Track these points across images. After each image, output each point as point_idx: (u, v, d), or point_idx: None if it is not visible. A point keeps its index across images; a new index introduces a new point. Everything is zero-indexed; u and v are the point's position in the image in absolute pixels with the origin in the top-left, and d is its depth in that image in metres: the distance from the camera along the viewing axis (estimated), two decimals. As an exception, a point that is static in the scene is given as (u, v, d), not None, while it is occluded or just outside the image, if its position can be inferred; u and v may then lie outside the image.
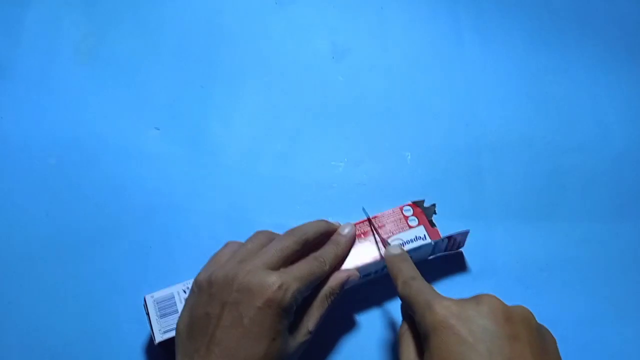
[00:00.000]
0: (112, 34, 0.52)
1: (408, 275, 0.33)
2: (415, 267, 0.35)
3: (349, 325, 0.40)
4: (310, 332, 0.34)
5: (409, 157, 0.48)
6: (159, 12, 0.53)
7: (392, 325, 0.40)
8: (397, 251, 0.36)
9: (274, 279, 0.31)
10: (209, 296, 0.32)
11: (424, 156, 0.48)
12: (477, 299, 0.29)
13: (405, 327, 0.32)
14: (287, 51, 0.52)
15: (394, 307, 0.41)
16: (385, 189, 0.46)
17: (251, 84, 0.50)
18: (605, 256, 0.44)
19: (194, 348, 0.31)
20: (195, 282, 0.34)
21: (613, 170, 0.48)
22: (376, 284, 0.41)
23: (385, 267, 0.38)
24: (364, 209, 0.40)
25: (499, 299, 0.29)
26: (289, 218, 0.44)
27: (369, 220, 0.40)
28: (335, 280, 0.36)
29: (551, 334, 0.30)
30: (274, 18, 0.54)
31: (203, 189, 0.46)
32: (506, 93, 0.51)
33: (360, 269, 0.38)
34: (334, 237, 0.38)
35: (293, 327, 0.33)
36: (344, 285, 0.36)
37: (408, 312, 0.32)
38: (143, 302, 0.37)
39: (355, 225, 0.40)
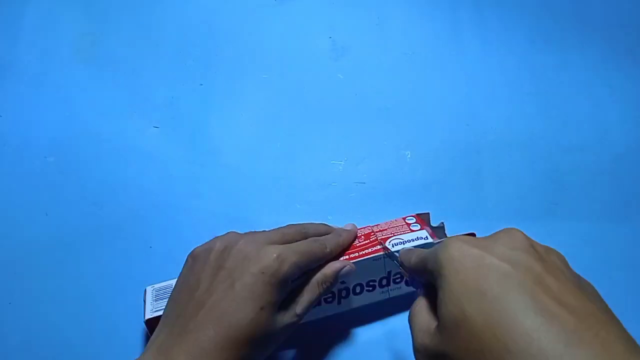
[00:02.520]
0: (111, 32, 0.52)
1: (421, 251, 0.32)
2: None
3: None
4: (297, 315, 0.33)
5: (409, 156, 0.48)
6: (158, 10, 0.53)
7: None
8: (408, 248, 0.37)
9: (272, 249, 0.31)
10: (204, 263, 0.32)
11: (424, 156, 0.48)
12: (496, 232, 0.27)
13: (419, 299, 0.30)
14: (287, 49, 0.52)
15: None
16: (385, 188, 0.46)
17: (251, 82, 0.50)
18: (605, 256, 0.44)
19: (178, 312, 0.30)
20: (191, 254, 0.33)
21: (613, 170, 0.48)
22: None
23: (391, 279, 0.38)
24: (380, 242, 0.39)
25: (519, 230, 0.26)
26: (289, 217, 0.44)
27: (382, 246, 0.39)
28: (329, 268, 0.35)
29: (589, 282, 0.26)
30: (273, 16, 0.53)
31: (202, 187, 0.46)
32: (506, 93, 0.51)
33: (359, 267, 0.37)
34: (337, 230, 0.39)
35: (282, 307, 0.32)
36: (337, 274, 0.36)
37: (422, 280, 0.30)
38: (143, 294, 0.37)
39: (356, 226, 0.39)
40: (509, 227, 0.27)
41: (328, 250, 0.35)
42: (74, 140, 0.47)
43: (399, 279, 0.38)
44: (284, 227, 0.36)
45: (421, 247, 0.38)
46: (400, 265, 0.34)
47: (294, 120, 0.49)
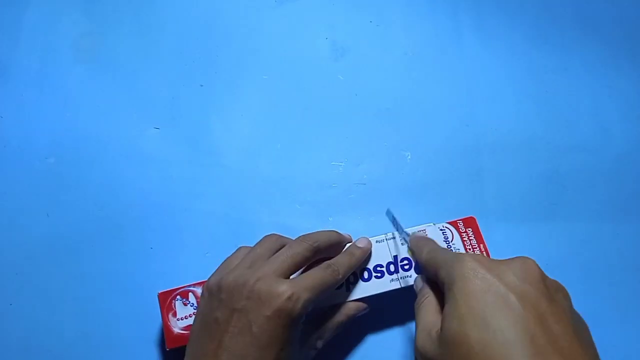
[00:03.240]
0: (112, 33, 0.52)
1: (434, 246, 0.33)
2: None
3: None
4: (316, 349, 0.34)
5: (409, 157, 0.48)
6: (159, 11, 0.53)
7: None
8: (421, 234, 0.37)
9: (284, 289, 0.31)
10: (219, 301, 0.32)
11: (424, 156, 0.48)
12: (511, 258, 0.28)
13: (427, 290, 0.30)
14: (287, 50, 0.52)
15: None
16: (386, 189, 0.46)
17: (251, 83, 0.50)
18: (605, 256, 0.44)
19: (202, 352, 0.31)
20: (206, 287, 0.34)
21: (613, 170, 0.48)
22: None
23: (399, 265, 0.39)
24: (389, 210, 0.40)
25: (535, 261, 0.27)
26: (289, 218, 0.44)
27: (393, 220, 0.39)
28: (352, 309, 0.37)
29: (583, 320, 0.28)
30: (273, 17, 0.53)
31: (203, 189, 0.46)
32: (506, 93, 0.51)
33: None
34: (349, 248, 0.38)
35: (303, 339, 0.33)
36: (357, 314, 0.37)
37: (431, 278, 0.31)
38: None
39: (370, 241, 0.39)
40: (525, 255, 0.28)
41: (340, 276, 0.35)
42: (75, 141, 0.47)
43: (408, 266, 0.38)
44: (294, 242, 0.36)
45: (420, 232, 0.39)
46: (410, 249, 0.35)
47: (294, 121, 0.49)
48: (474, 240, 0.40)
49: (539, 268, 0.27)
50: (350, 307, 0.37)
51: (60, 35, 0.51)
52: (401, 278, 0.38)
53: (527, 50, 0.53)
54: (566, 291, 0.27)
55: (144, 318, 0.39)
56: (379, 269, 0.38)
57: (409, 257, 0.39)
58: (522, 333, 0.23)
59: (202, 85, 0.50)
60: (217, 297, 0.32)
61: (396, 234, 0.40)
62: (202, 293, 0.34)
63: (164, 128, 0.48)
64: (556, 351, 0.23)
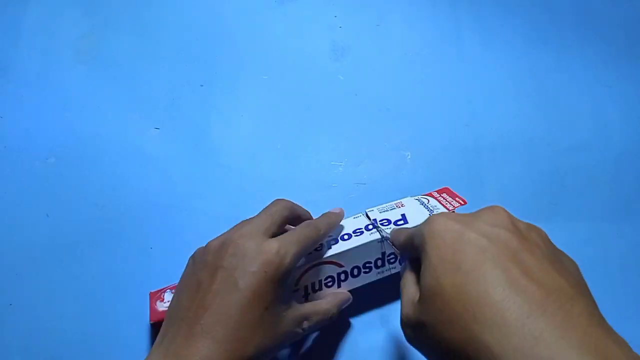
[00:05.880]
0: (112, 33, 0.52)
1: (409, 230, 0.32)
2: None
3: (344, 327, 0.41)
4: (303, 329, 0.33)
5: (409, 156, 0.48)
6: (159, 11, 0.53)
7: (386, 329, 0.40)
8: (399, 227, 0.37)
9: (272, 244, 0.31)
10: (203, 263, 0.31)
11: (424, 156, 0.48)
12: (480, 209, 0.27)
13: (407, 268, 0.30)
14: (287, 50, 0.52)
15: (389, 312, 0.41)
16: (385, 189, 0.46)
17: (251, 83, 0.50)
18: (605, 256, 0.44)
19: (181, 314, 0.29)
20: (192, 255, 0.33)
21: (613, 170, 0.48)
22: (374, 288, 0.41)
23: (386, 259, 0.39)
24: (374, 224, 0.40)
25: (503, 208, 0.27)
26: (289, 218, 0.44)
27: (374, 222, 0.40)
28: (340, 299, 0.37)
29: (571, 258, 0.27)
30: (274, 17, 0.53)
31: (203, 189, 0.46)
32: (506, 93, 0.51)
33: (355, 253, 0.38)
34: (325, 212, 0.39)
35: (290, 314, 0.32)
36: (343, 305, 0.37)
37: (410, 255, 0.31)
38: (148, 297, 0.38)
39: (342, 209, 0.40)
40: (493, 204, 0.28)
41: (322, 232, 0.35)
42: (75, 142, 0.47)
43: (394, 259, 0.39)
44: (271, 205, 0.36)
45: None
46: (392, 245, 0.35)
47: (294, 121, 0.49)
48: (449, 197, 0.41)
49: (508, 213, 0.26)
50: (340, 298, 0.37)
51: (60, 36, 0.51)
52: (386, 270, 0.39)
53: (527, 50, 0.53)
54: (540, 230, 0.26)
55: (144, 318, 0.39)
56: (367, 265, 0.39)
57: (394, 252, 0.39)
58: (494, 269, 0.23)
59: (202, 85, 0.50)
60: (201, 259, 0.32)
61: (375, 208, 0.41)
62: (187, 262, 0.33)
63: (164, 128, 0.48)
64: (531, 280, 0.22)
